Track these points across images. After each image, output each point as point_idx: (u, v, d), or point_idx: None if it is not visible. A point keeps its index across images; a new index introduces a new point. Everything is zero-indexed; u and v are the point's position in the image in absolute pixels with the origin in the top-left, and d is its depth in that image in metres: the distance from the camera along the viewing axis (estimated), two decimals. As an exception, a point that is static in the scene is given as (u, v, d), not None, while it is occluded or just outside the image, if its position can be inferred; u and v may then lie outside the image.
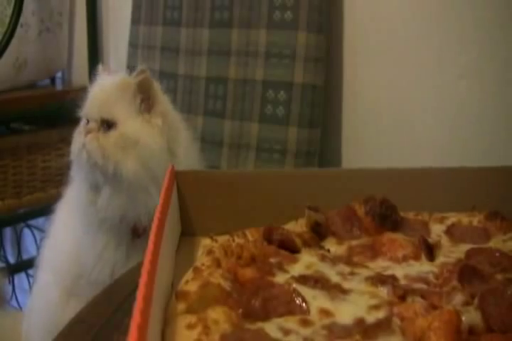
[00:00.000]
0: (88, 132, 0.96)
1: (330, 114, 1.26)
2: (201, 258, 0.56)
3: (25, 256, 1.90)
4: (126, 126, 0.97)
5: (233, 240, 0.61)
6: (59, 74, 1.98)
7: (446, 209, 0.70)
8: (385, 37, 1.18)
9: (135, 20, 1.55)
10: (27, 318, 1.22)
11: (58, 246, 1.15)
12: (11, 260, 1.91)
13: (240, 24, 1.29)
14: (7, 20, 1.67)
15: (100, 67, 1.06)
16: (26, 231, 1.92)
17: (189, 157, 1.04)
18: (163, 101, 1.02)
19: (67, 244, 1.13)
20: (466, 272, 0.54)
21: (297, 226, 0.66)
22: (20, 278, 1.87)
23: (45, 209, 1.20)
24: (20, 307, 1.81)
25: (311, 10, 1.19)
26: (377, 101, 1.21)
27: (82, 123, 1.00)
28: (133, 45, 1.57)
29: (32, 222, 1.87)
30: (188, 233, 0.73)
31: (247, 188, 0.74)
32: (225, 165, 1.32)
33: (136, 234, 1.02)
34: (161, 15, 1.47)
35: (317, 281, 0.51)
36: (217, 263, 0.54)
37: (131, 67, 1.55)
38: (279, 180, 0.74)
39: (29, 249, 1.92)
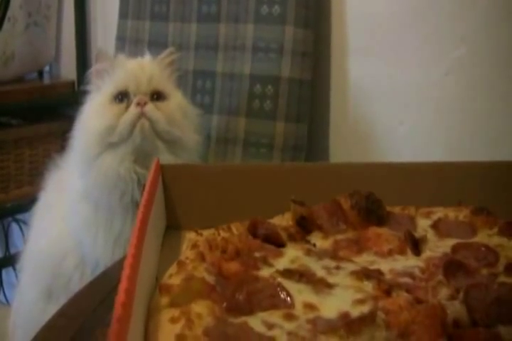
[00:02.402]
0: (141, 103, 0.96)
1: (317, 108, 1.26)
2: (186, 252, 0.56)
3: (12, 251, 1.89)
4: (177, 97, 1.02)
5: (218, 234, 0.60)
6: (47, 68, 1.97)
7: (433, 204, 0.70)
8: (373, 32, 1.17)
9: (123, 15, 1.54)
10: (13, 314, 1.21)
11: (38, 247, 1.14)
12: (-2, 254, 1.90)
13: (227, 18, 1.29)
14: (-6, 13, 1.66)
15: (100, 50, 1.08)
16: (14, 226, 1.91)
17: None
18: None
19: (48, 245, 1.12)
20: (452, 266, 0.54)
21: (283, 220, 0.65)
22: (8, 273, 1.86)
23: (33, 204, 1.19)
24: (8, 302, 1.80)
25: (298, 4, 1.19)
26: (365, 96, 1.21)
27: (109, 98, 0.99)
28: (121, 39, 1.56)
29: (19, 216, 1.86)
30: (173, 226, 0.73)
31: (233, 182, 0.73)
32: (212, 160, 1.32)
33: None
34: (149, 9, 1.46)
35: (302, 275, 0.51)
36: (202, 257, 0.54)
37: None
38: (266, 173, 0.74)
39: (17, 243, 1.91)
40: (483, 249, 0.58)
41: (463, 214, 0.66)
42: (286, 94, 1.21)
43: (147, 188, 0.67)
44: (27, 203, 1.79)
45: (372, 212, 0.65)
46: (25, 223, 1.83)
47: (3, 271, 1.84)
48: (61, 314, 0.59)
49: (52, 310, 1.13)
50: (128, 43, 1.54)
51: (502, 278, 0.53)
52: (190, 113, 1.02)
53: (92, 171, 0.99)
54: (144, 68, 1.01)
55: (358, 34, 1.20)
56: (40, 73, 1.99)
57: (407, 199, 0.71)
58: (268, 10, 1.22)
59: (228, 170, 0.75)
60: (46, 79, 2.00)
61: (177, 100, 1.00)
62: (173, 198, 0.73)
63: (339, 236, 0.62)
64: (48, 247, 1.13)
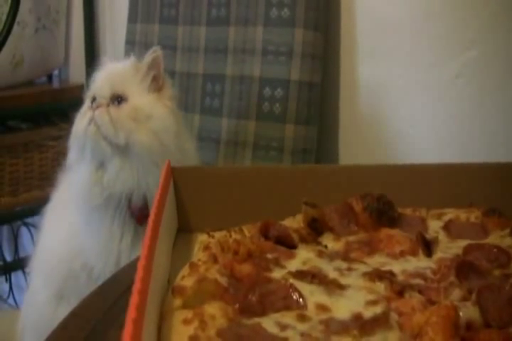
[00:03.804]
0: (97, 107, 0.97)
1: (327, 111, 1.26)
2: (198, 254, 0.56)
3: (22, 254, 1.89)
4: (139, 100, 0.99)
5: (230, 236, 0.60)
6: (56, 72, 1.98)
7: (444, 206, 0.70)
8: (382, 35, 1.17)
9: (132, 18, 1.55)
10: (22, 318, 1.21)
11: (48, 249, 1.15)
12: (8, 258, 1.90)
13: (236, 21, 1.29)
14: (4, 17, 1.66)
15: (103, 59, 1.08)
16: (23, 229, 1.91)
17: (187, 143, 1.05)
18: (171, 87, 1.05)
19: (58, 246, 1.12)
20: (464, 268, 0.54)
21: (294, 222, 0.66)
22: (17, 276, 1.87)
23: (42, 207, 1.20)
24: (18, 305, 1.80)
25: (307, 7, 1.19)
26: (375, 98, 1.21)
27: (86, 104, 1.01)
28: (130, 42, 1.57)
29: (29, 220, 1.87)
30: (184, 229, 0.73)
31: (244, 184, 0.73)
32: (222, 163, 1.32)
33: (140, 220, 1.02)
34: (158, 13, 1.47)
35: (314, 276, 0.51)
36: (214, 259, 0.54)
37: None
38: (277, 175, 0.74)
39: (26, 246, 1.92)
40: (495, 250, 0.58)
41: (474, 216, 0.66)
42: (296, 97, 1.21)
43: (159, 191, 0.67)
44: (36, 207, 1.80)
45: (383, 214, 0.65)
46: (34, 227, 1.84)
47: (13, 275, 1.85)
48: (74, 314, 0.60)
49: (63, 312, 1.14)
50: (137, 47, 1.54)
51: (515, 279, 0.52)
52: (153, 118, 0.98)
53: (70, 179, 1.02)
54: (107, 72, 1.01)
55: (368, 36, 1.19)
56: (50, 77, 2.00)
57: (418, 201, 0.71)
58: (277, 13, 1.22)
59: (239, 172, 0.75)
60: (55, 83, 2.01)
61: (136, 103, 0.98)
62: (184, 201, 0.73)
63: (351, 238, 0.62)
64: (57, 248, 1.13)
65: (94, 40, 1.84)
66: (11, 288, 1.87)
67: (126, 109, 0.98)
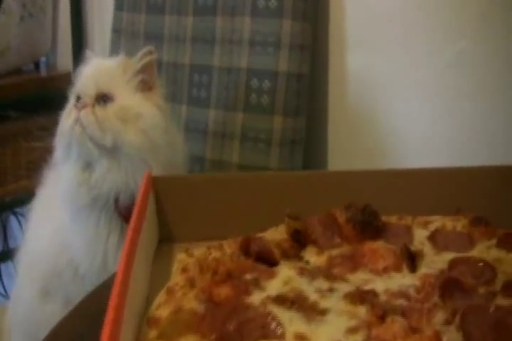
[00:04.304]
0: (83, 107, 0.95)
1: (316, 102, 1.24)
2: (175, 277, 0.55)
3: (11, 244, 1.88)
4: (126, 100, 0.96)
5: (209, 253, 0.59)
6: (43, 59, 1.95)
7: (432, 211, 0.68)
8: (373, 25, 1.15)
9: (118, 6, 1.52)
10: (10, 314, 1.21)
11: (34, 245, 1.14)
12: (-2, 248, 1.90)
13: (223, 11, 1.26)
14: (-12, 5, 1.64)
15: (88, 52, 1.05)
16: (12, 219, 1.90)
17: (176, 140, 1.04)
18: (162, 85, 1.02)
19: (44, 242, 1.11)
20: (448, 286, 0.53)
21: (277, 233, 0.64)
22: (7, 266, 1.86)
23: (31, 197, 1.18)
24: (7, 293, 1.80)
25: (295, -3, 1.16)
26: (364, 89, 1.19)
27: (71, 101, 0.98)
28: (116, 31, 1.54)
29: (18, 210, 1.85)
30: (166, 239, 0.72)
31: (226, 192, 0.72)
32: (209, 155, 1.30)
33: (127, 219, 1.00)
34: (145, 1, 1.44)
35: (294, 302, 0.50)
36: (191, 283, 0.53)
37: (114, 54, 1.53)
38: (260, 183, 0.72)
39: (15, 236, 1.91)
40: (480, 264, 0.57)
41: (461, 224, 0.64)
42: (284, 88, 1.19)
43: (138, 202, 0.66)
44: (25, 197, 1.79)
45: (368, 225, 0.63)
46: (23, 216, 1.83)
47: (2, 265, 1.84)
48: (53, 334, 0.58)
49: (50, 309, 1.14)
50: (124, 36, 1.51)
51: (499, 299, 0.51)
52: (140, 117, 0.96)
53: (57, 177, 1.01)
54: (93, 70, 0.98)
55: (358, 26, 1.17)
56: (37, 64, 1.97)
57: (406, 207, 0.69)
58: (265, 3, 1.19)
59: (222, 180, 0.73)
60: (43, 71, 1.98)
61: (122, 103, 0.95)
62: (165, 211, 0.71)
63: (334, 252, 0.61)
64: (43, 244, 1.12)
65: (82, 27, 1.81)
66: (0, 277, 1.86)
67: (113, 109, 0.95)
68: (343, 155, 1.24)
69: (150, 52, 0.98)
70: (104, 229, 1.01)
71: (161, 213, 0.71)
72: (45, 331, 1.15)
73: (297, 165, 1.23)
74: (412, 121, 1.14)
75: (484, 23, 1.04)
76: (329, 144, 1.25)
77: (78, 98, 0.97)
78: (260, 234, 0.64)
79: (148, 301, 0.55)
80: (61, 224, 1.08)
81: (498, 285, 0.54)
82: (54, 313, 1.13)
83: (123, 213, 1.00)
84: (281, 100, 1.19)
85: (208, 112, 1.30)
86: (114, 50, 1.55)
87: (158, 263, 0.68)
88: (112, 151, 0.95)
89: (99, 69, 0.99)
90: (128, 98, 0.97)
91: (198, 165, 1.32)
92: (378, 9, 1.14)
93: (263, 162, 1.22)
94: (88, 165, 0.98)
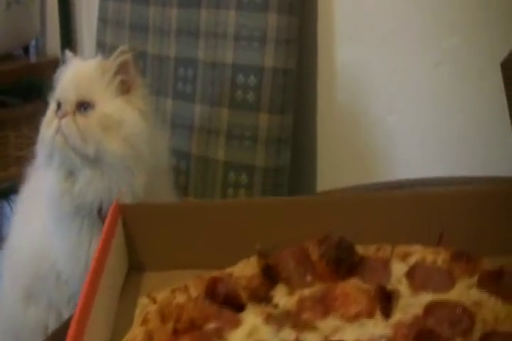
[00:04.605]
0: (63, 115, 0.92)
1: (303, 98, 1.20)
2: (135, 328, 0.52)
3: (5, 232, 1.86)
4: (107, 107, 0.94)
5: (174, 297, 0.56)
6: (32, 43, 1.91)
7: (414, 237, 0.65)
8: (361, 19, 1.10)
9: (103, -5, 1.47)
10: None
11: (17, 247, 1.12)
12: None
13: (208, 4, 1.21)
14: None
15: (68, 53, 1.02)
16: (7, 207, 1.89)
17: (159, 143, 1.01)
18: (143, 84, 1.00)
19: (27, 245, 1.10)
20: (422, 338, 0.50)
21: (248, 267, 0.61)
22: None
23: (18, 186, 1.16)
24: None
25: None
26: (353, 85, 1.14)
27: (52, 108, 0.96)
28: (102, 20, 1.49)
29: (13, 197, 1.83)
30: (136, 267, 0.69)
31: (198, 220, 0.69)
32: (195, 151, 1.27)
33: None
34: (128, -10, 1.39)
35: (253, 364, 0.47)
36: (150, 337, 0.50)
37: (100, 43, 1.48)
38: (231, 210, 0.69)
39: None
40: (458, 310, 0.54)
41: (441, 259, 0.61)
42: (270, 84, 1.15)
43: (104, 231, 0.63)
44: (16, 185, 1.77)
45: (342, 261, 0.60)
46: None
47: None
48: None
49: (32, 313, 1.12)
50: (110, 25, 1.46)
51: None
52: (123, 125, 0.93)
53: (39, 181, 0.99)
54: (72, 76, 0.96)
55: (346, 21, 1.12)
56: (26, 49, 1.93)
57: (385, 233, 0.66)
58: (249, -4, 1.14)
59: (193, 207, 0.70)
60: (32, 56, 1.94)
61: (104, 111, 0.93)
62: (134, 238, 0.68)
63: (305, 292, 0.58)
64: (26, 247, 1.11)
65: (69, 14, 1.76)
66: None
67: (94, 118, 0.93)
68: (332, 152, 1.21)
69: (124, 52, 0.95)
70: (87, 235, 1.00)
71: (131, 241, 0.68)
72: (28, 333, 1.14)
73: (284, 163, 1.20)
74: (402, 116, 1.11)
75: (477, 18, 0.99)
76: (318, 142, 1.21)
77: (59, 104, 0.95)
78: (230, 269, 0.61)
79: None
80: (43, 228, 1.07)
81: (475, 336, 0.51)
82: (37, 316, 1.13)
83: (103, 217, 0.97)
84: (267, 97, 1.16)
85: (194, 107, 1.27)
86: (100, 39, 1.51)
87: (126, 292, 0.66)
88: (95, 160, 0.93)
89: (78, 74, 0.96)
90: (108, 104, 0.94)
91: (184, 161, 1.30)
92: (367, 2, 1.09)
93: (249, 160, 1.19)
94: (71, 174, 0.96)
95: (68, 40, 1.76)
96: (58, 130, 0.91)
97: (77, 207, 0.98)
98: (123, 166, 0.94)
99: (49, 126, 0.93)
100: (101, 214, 0.97)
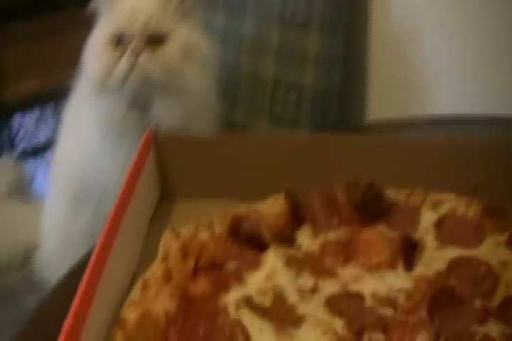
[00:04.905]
0: (137, 52, 0.89)
1: (357, 20, 1.14)
2: (155, 265, 0.53)
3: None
4: (181, 35, 0.90)
5: (197, 232, 0.56)
6: None
7: (448, 184, 0.63)
8: None
9: None
10: (43, 224, 1.23)
11: (66, 156, 1.13)
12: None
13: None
14: None
15: None
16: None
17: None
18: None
19: (75, 156, 1.11)
20: (440, 298, 0.49)
21: (276, 205, 0.60)
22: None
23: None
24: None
25: None
26: (410, 11, 1.08)
27: (107, 40, 0.91)
28: None
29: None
30: (168, 196, 0.70)
31: (231, 152, 0.68)
32: (245, 65, 1.24)
33: None
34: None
35: (265, 312, 0.47)
36: (168, 277, 0.51)
37: None
38: (266, 144, 0.68)
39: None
40: (483, 268, 0.52)
41: (473, 211, 0.59)
42: (322, 3, 1.09)
43: (133, 164, 0.63)
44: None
45: (369, 207, 0.59)
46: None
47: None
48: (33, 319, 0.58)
49: (79, 220, 1.15)
50: None
51: (490, 324, 0.47)
52: (198, 48, 0.91)
53: (94, 110, 0.96)
54: (142, 5, 0.90)
55: None
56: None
57: (422, 177, 0.64)
58: None
59: (226, 140, 0.69)
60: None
61: (180, 39, 0.89)
62: (167, 167, 0.68)
63: (330, 235, 0.57)
64: (73, 158, 1.12)
65: None
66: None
67: (173, 48, 0.89)
68: (383, 77, 1.16)
69: None
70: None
71: (163, 170, 0.68)
72: (75, 239, 1.18)
73: (333, 83, 1.16)
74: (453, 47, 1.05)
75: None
76: (370, 62, 1.16)
77: (117, 39, 0.90)
78: (257, 206, 0.60)
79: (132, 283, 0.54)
80: (91, 144, 1.07)
81: (495, 300, 0.50)
82: (83, 223, 1.15)
83: None
84: (318, 15, 1.10)
85: (244, 21, 1.22)
86: None
87: (157, 221, 0.67)
88: (175, 90, 0.90)
89: (140, 3, 0.90)
90: (182, 32, 0.90)
91: (233, 75, 1.27)
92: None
93: (298, 78, 1.16)
94: (142, 104, 0.93)
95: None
96: (133, 67, 0.87)
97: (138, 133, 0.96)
98: (205, 92, 0.93)
99: (115, 61, 0.89)
100: None
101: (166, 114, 0.94)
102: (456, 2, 1.02)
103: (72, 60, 1.74)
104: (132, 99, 0.93)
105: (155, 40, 0.88)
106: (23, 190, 1.47)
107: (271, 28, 1.17)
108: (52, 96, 1.80)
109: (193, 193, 0.68)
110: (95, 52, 0.90)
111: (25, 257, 1.20)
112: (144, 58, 0.87)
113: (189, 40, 0.90)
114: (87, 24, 0.95)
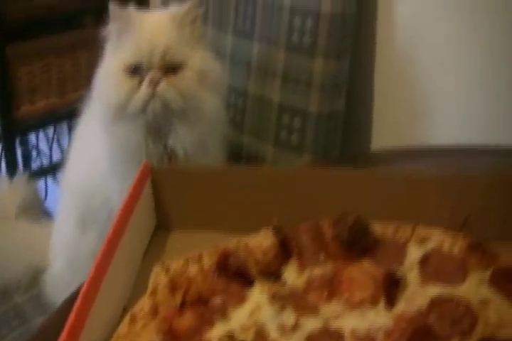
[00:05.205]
0: (155, 82, 0.92)
1: (362, 45, 1.16)
2: (144, 299, 0.54)
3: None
4: (196, 61, 0.95)
5: (187, 267, 0.58)
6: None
7: (437, 218, 0.64)
8: None
9: None
10: (52, 243, 1.25)
11: (74, 179, 1.16)
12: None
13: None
14: None
15: (113, 8, 0.96)
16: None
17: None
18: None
19: (83, 179, 1.13)
20: (418, 336, 0.51)
21: (265, 238, 0.62)
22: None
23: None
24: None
25: None
26: (413, 34, 1.10)
27: (124, 70, 0.95)
28: None
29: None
30: (163, 226, 0.71)
31: (224, 185, 0.70)
32: (252, 90, 1.26)
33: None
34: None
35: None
36: (155, 311, 0.52)
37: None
38: (259, 177, 0.70)
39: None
40: (462, 307, 0.53)
41: (458, 247, 0.60)
42: (327, 29, 1.11)
43: (129, 194, 0.65)
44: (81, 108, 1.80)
45: (355, 244, 0.60)
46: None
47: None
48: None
49: (86, 239, 1.17)
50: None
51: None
52: (211, 74, 0.95)
53: (107, 135, 0.99)
54: (159, 36, 0.93)
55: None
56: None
57: (409, 211, 0.66)
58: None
59: (221, 173, 0.71)
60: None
61: (195, 66, 0.93)
62: (162, 199, 0.70)
63: (315, 271, 0.59)
64: (82, 181, 1.15)
65: None
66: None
67: (190, 75, 0.94)
68: (387, 102, 1.18)
69: (196, 5, 0.95)
70: None
71: (159, 201, 0.70)
72: (82, 258, 1.20)
73: (338, 109, 1.18)
74: (456, 77, 1.06)
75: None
76: (375, 89, 1.18)
77: (134, 68, 0.93)
78: (247, 239, 0.62)
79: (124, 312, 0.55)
80: (99, 165, 1.09)
81: (473, 339, 0.51)
82: (90, 244, 1.18)
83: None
84: (324, 41, 1.12)
85: (252, 45, 1.25)
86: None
87: (151, 251, 0.68)
88: (191, 116, 0.95)
89: (155, 34, 0.93)
90: (196, 58, 0.95)
91: (240, 99, 1.29)
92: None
93: (303, 104, 1.18)
94: (158, 131, 0.97)
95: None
96: (152, 96, 0.92)
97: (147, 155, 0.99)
98: (216, 115, 0.96)
99: (134, 91, 0.93)
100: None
101: (181, 141, 0.97)
102: (461, 32, 1.03)
103: (87, 79, 1.78)
104: (149, 127, 0.96)
105: (172, 69, 0.91)
106: (35, 209, 1.50)
107: (277, 53, 1.19)
108: (67, 115, 1.83)
109: (188, 224, 0.70)
110: (112, 80, 0.93)
111: (34, 278, 1.23)
112: (162, 87, 0.91)
113: (204, 66, 0.94)
114: (101, 44, 0.98)
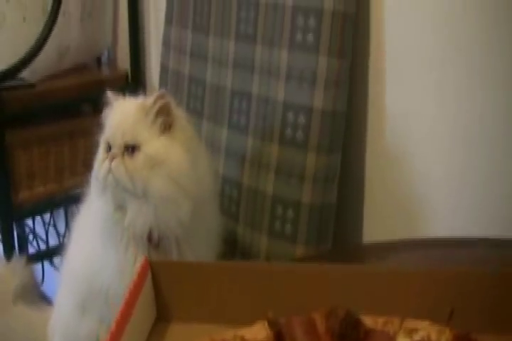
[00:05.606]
0: (113, 158, 1.00)
1: (353, 139, 1.22)
2: None
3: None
4: (151, 147, 1.02)
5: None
6: (105, 56, 1.98)
7: (424, 311, 0.68)
8: (411, 64, 1.12)
9: (168, 20, 1.53)
10: (51, 327, 1.27)
11: (73, 266, 1.19)
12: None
13: (263, 42, 1.25)
14: (48, 8, 1.66)
15: (110, 94, 1.07)
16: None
17: (202, 171, 1.07)
18: (182, 116, 1.06)
19: (81, 267, 1.16)
20: None
21: (261, 331, 0.65)
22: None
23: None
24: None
25: (333, 33, 1.14)
26: (403, 128, 1.16)
27: (103, 147, 1.04)
28: (166, 44, 1.55)
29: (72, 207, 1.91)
30: (163, 318, 0.74)
31: (226, 280, 0.73)
32: (246, 181, 1.31)
33: (155, 245, 1.05)
34: (191, 18, 1.44)
35: None
36: None
37: (164, 66, 1.54)
38: (258, 273, 0.73)
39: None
40: None
41: (445, 338, 0.63)
42: (319, 125, 1.17)
43: (131, 288, 0.68)
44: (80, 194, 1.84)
45: (347, 336, 0.63)
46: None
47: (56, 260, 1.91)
48: None
49: (87, 323, 1.19)
50: (172, 50, 1.52)
51: None
52: (167, 162, 1.01)
53: (93, 210, 1.06)
54: (118, 120, 1.03)
55: (395, 65, 1.14)
56: (98, 60, 2.00)
57: (397, 305, 0.69)
58: (302, 37, 1.17)
59: (219, 268, 0.75)
60: (105, 67, 2.01)
61: (149, 152, 1.00)
62: (162, 292, 0.74)
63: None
64: (80, 268, 1.18)
65: (138, 26, 1.82)
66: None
67: (141, 159, 1.01)
68: (379, 195, 1.23)
69: (162, 97, 1.02)
70: (133, 253, 1.07)
71: (159, 294, 0.74)
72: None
73: (330, 201, 1.22)
74: (449, 168, 1.12)
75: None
76: (366, 180, 1.23)
77: (109, 145, 1.02)
78: (243, 331, 0.65)
79: None
80: (93, 253, 1.14)
81: None
82: (90, 328, 1.20)
83: (152, 240, 1.05)
84: (316, 137, 1.18)
85: (246, 139, 1.31)
86: (164, 63, 1.58)
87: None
88: (143, 196, 1.01)
89: (122, 117, 1.04)
90: (153, 144, 1.02)
91: (235, 190, 1.34)
92: (417, 47, 1.11)
93: (296, 196, 1.22)
94: (121, 207, 1.04)
95: (137, 52, 1.83)
96: (109, 171, 1.00)
97: (128, 235, 1.06)
98: (168, 200, 1.02)
99: (101, 167, 1.01)
100: (149, 236, 1.05)
101: (137, 217, 1.03)
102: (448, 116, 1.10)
103: (84, 165, 1.84)
104: (113, 203, 1.04)
105: (131, 150, 0.99)
106: (32, 293, 1.52)
107: (271, 147, 1.25)
108: (64, 201, 1.87)
109: (187, 317, 0.73)
110: (97, 160, 1.04)
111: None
112: (114, 164, 1.00)
113: (158, 153, 1.01)
114: (98, 131, 1.05)
